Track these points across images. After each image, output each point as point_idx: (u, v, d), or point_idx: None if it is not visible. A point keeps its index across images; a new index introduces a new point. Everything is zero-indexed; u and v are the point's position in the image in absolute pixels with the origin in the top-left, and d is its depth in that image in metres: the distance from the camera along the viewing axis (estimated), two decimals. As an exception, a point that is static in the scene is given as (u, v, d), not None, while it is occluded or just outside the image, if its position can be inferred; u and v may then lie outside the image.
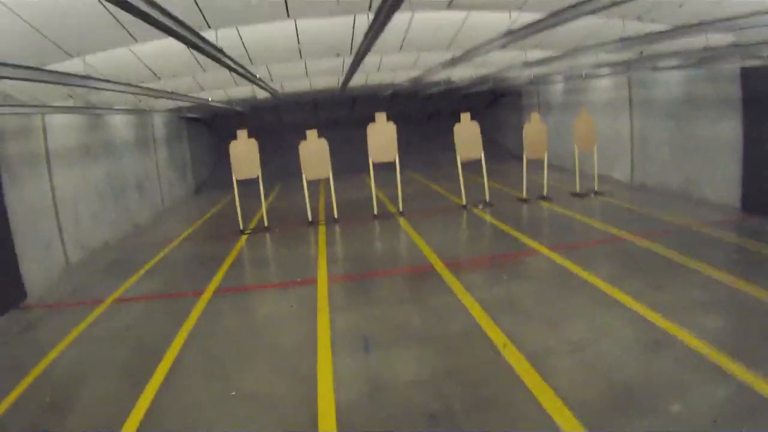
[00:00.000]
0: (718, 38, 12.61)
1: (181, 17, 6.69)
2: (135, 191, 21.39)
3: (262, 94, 22.01)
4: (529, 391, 7.13)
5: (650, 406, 6.56)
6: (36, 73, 8.97)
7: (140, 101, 18.54)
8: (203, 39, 8.26)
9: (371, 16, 8.74)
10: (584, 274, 11.47)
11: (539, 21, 9.37)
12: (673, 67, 17.32)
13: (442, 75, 20.04)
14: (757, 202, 14.71)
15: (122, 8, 5.35)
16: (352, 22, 10.76)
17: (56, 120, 15.23)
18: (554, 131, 22.26)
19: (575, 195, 19.84)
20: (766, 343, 8.00)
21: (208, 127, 35.03)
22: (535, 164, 20.12)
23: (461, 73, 21.08)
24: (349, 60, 14.24)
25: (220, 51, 9.54)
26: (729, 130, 15.40)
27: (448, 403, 7.03)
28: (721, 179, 15.99)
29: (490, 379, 7.62)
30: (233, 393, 7.74)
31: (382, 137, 18.92)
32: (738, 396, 6.62)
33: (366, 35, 9.23)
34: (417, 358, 8.48)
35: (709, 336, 8.18)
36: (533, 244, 14.13)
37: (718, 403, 6.58)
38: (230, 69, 11.38)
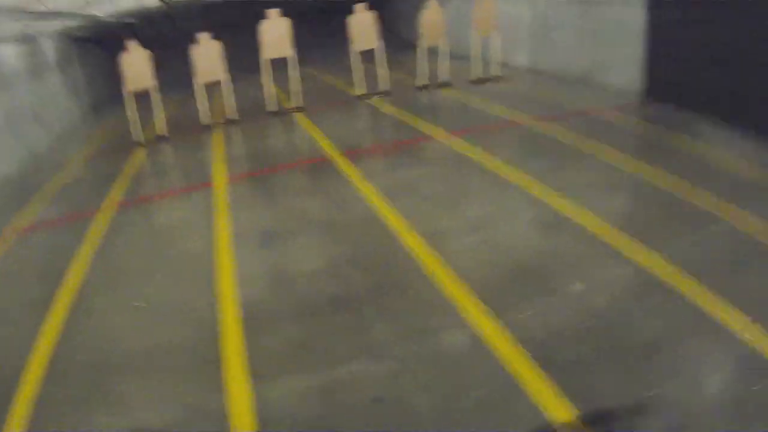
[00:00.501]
0: None
1: None
2: (31, 120, 20.98)
3: (151, 4, 21.60)
4: (428, 274, 7.29)
5: (551, 285, 6.75)
6: None
7: (28, 27, 18.05)
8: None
9: None
10: (482, 158, 11.60)
11: None
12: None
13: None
14: (659, 88, 14.84)
15: None
16: None
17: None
18: (455, 18, 22.15)
19: (475, 81, 19.83)
20: (658, 222, 8.20)
21: (101, 46, 34.34)
22: (435, 53, 20.05)
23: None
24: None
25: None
26: (633, 13, 15.45)
27: (350, 289, 7.17)
28: (624, 64, 16.08)
29: (390, 263, 7.77)
30: (137, 304, 7.75)
31: (275, 33, 18.65)
32: (634, 275, 6.83)
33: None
34: (317, 247, 8.62)
35: (606, 216, 8.37)
36: (430, 130, 14.22)
37: (615, 281, 6.77)
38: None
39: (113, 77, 32.58)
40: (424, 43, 19.66)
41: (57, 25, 19.54)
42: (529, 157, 11.43)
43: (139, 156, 16.75)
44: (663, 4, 14.40)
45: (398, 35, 32.85)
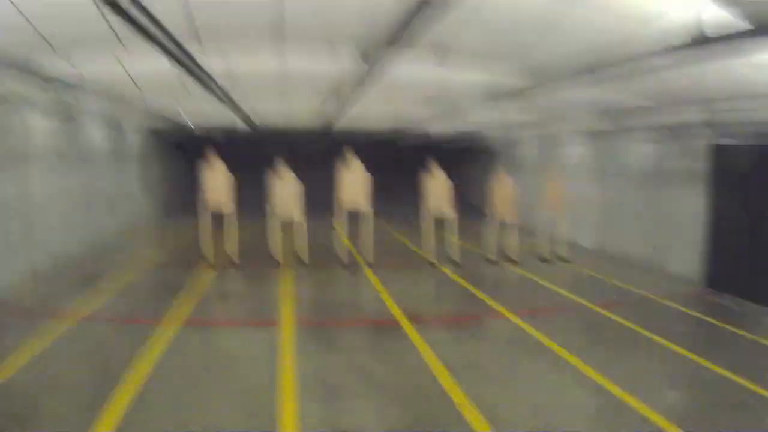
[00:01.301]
0: (692, 116, 12.80)
1: (177, 39, 6.72)
2: (105, 205, 21.25)
3: (240, 126, 22.04)
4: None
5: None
6: (24, 75, 8.95)
7: (121, 116, 18.45)
8: (195, 63, 8.30)
9: (364, 65, 8.82)
10: (544, 340, 11.48)
11: (523, 88, 9.48)
12: (646, 140, 17.53)
13: (420, 127, 20.14)
14: (718, 278, 14.82)
15: (124, 19, 5.38)
16: (341, 67, 10.82)
17: (36, 122, 15.15)
18: (524, 194, 22.35)
19: (542, 259, 19.90)
20: (714, 416, 8.11)
21: (182, 151, 34.88)
22: (503, 224, 20.05)
23: (439, 127, 21.19)
24: (333, 103, 14.30)
25: (211, 78, 9.58)
26: (694, 203, 15.56)
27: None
28: (684, 252, 16.13)
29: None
30: (193, 429, 7.64)
31: (354, 184, 18.76)
32: None
33: (356, 83, 9.31)
34: (378, 410, 8.43)
35: (664, 408, 8.24)
36: (496, 306, 14.13)
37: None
38: (216, 97, 11.42)
39: (189, 183, 33.26)
40: (494, 217, 19.70)
41: (147, 120, 19.94)
42: (589, 344, 11.36)
43: (208, 276, 16.81)
44: (724, 192, 14.46)
45: (468, 201, 33.07)
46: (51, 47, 9.31)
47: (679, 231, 16.48)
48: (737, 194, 14.19)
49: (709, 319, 12.99)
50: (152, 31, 5.79)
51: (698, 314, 13.51)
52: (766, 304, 13.11)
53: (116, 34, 8.58)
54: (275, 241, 18.72)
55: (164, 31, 6.11)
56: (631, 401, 8.56)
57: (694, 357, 10.43)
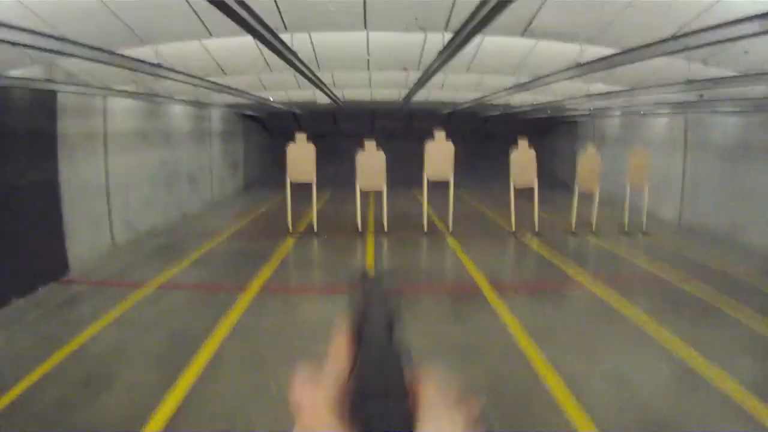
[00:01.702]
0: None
1: (261, 16, 6.79)
2: (186, 181, 21.61)
3: (322, 100, 22.11)
4: (564, 416, 7.24)
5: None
6: (107, 56, 9.10)
7: (202, 94, 18.67)
8: (280, 40, 8.36)
9: (446, 35, 8.81)
10: (624, 309, 11.50)
11: (610, 56, 9.39)
12: (731, 112, 17.26)
13: (502, 99, 20.03)
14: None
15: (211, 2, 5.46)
16: (424, 38, 10.82)
17: (117, 103, 15.52)
18: (607, 165, 22.13)
19: (623, 232, 19.76)
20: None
21: (263, 126, 35.12)
22: (586, 196, 20.07)
23: (521, 98, 21.06)
24: (415, 75, 14.29)
25: (294, 54, 9.64)
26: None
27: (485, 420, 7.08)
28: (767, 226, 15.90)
29: (528, 400, 7.71)
30: (272, 390, 7.77)
31: (439, 155, 18.93)
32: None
33: (440, 54, 9.30)
34: (458, 373, 8.51)
35: (741, 379, 8.23)
36: (578, 275, 14.18)
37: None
38: (298, 71, 11.48)
39: (270, 159, 33.51)
40: (579, 188, 19.66)
41: (228, 98, 20.13)
42: (670, 314, 11.29)
43: (288, 245, 17.05)
44: None
45: (549, 172, 32.88)
46: (138, 38, 9.47)
47: (763, 205, 16.21)
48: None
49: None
50: (236, 11, 5.86)
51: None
52: None
53: (201, 20, 8.73)
54: (358, 211, 18.87)
55: (248, 9, 6.17)
56: (707, 371, 8.57)
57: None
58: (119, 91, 14.27)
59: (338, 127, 35.26)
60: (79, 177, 13.66)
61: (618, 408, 7.51)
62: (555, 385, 8.06)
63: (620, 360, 9.13)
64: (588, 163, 19.69)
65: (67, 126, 13.14)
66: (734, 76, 10.96)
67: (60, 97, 12.82)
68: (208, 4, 5.66)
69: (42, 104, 12.35)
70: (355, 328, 0.88)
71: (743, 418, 7.16)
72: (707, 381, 8.28)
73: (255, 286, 12.77)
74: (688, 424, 7.04)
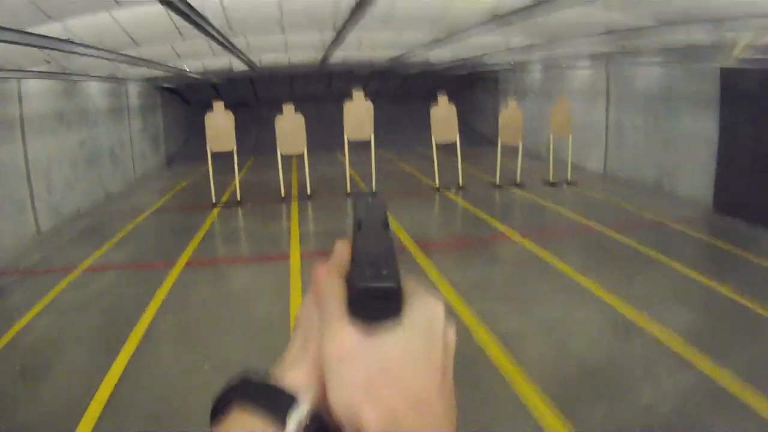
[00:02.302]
0: (701, 37, 12.61)
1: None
2: (108, 160, 21.28)
3: (238, 67, 21.90)
4: (501, 373, 7.28)
5: (618, 391, 6.70)
6: (16, 36, 8.86)
7: (117, 69, 18.37)
8: (188, 5, 8.19)
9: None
10: (553, 262, 11.54)
11: (527, 7, 9.35)
12: (654, 63, 17.36)
13: (421, 56, 19.99)
14: (728, 202, 14.74)
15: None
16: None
17: (31, 85, 15.15)
18: (530, 118, 22.18)
19: (548, 183, 19.88)
20: (730, 336, 8.17)
21: (181, 99, 34.74)
22: (509, 150, 20.06)
23: (440, 55, 21.01)
24: (330, 35, 14.16)
25: (204, 19, 9.47)
26: (705, 128, 15.40)
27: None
28: (694, 176, 16.03)
29: (463, 360, 7.58)
30: (206, 367, 7.70)
31: (358, 115, 18.84)
32: (701, 383, 6.81)
33: (353, 9, 9.19)
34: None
35: (676, 328, 8.28)
36: (504, 229, 14.20)
37: (684, 390, 6.71)
38: (211, 37, 11.30)
39: (191, 131, 33.17)
40: (502, 142, 19.72)
41: (145, 71, 19.83)
42: (598, 265, 11.36)
43: (213, 216, 16.93)
44: (734, 116, 14.36)
45: (471, 128, 32.98)
46: (45, 14, 9.21)
47: (689, 155, 16.35)
48: (747, 118, 14.04)
49: (718, 243, 12.92)
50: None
51: (707, 237, 13.53)
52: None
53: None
54: (281, 178, 18.78)
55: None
56: (640, 320, 8.66)
57: (702, 279, 10.41)
58: (33, 73, 13.96)
59: (257, 94, 34.92)
60: (-3, 164, 13.39)
61: (553, 361, 7.57)
62: (489, 342, 8.07)
63: (552, 313, 9.19)
64: (510, 117, 19.71)
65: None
66: (654, 26, 11.00)
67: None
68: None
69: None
70: (356, 222, 0.99)
71: (678, 365, 7.27)
72: (642, 330, 8.36)
73: (182, 260, 12.61)
74: (624, 373, 7.11)
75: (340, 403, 0.76)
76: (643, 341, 8.02)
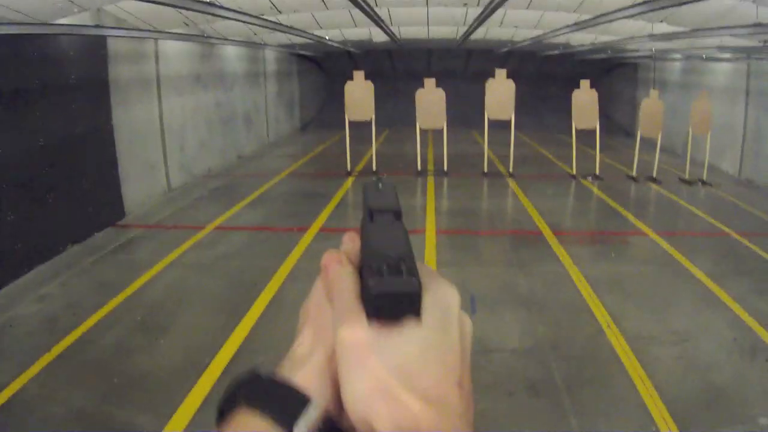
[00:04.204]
0: None
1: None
2: (242, 123, 21.57)
3: (378, 38, 21.88)
4: (628, 375, 7.03)
5: (741, 413, 6.46)
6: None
7: (255, 34, 18.51)
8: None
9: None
10: (688, 265, 11.18)
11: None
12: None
13: (562, 38, 19.66)
14: None
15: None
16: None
17: (169, 46, 15.44)
18: (668, 111, 21.70)
19: (683, 181, 19.33)
20: None
21: (318, 66, 34.98)
22: (645, 142, 19.65)
23: (581, 38, 20.65)
24: (475, 11, 13.98)
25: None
26: None
27: (549, 375, 7.01)
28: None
29: (592, 357, 7.58)
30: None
31: (500, 94, 18.65)
32: None
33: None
34: (521, 324, 8.46)
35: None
36: (639, 225, 13.87)
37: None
38: (357, 6, 11.24)
39: (326, 98, 33.40)
40: (641, 134, 19.27)
41: (282, 38, 19.95)
42: (732, 274, 10.90)
43: (347, 185, 17.04)
44: None
45: (609, 117, 32.41)
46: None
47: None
48: None
49: None
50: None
51: None
52: None
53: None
54: (418, 151, 18.71)
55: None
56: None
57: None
58: (170, 34, 14.13)
59: (394, 66, 34.94)
60: (132, 122, 13.66)
61: (680, 372, 7.34)
62: (617, 344, 7.87)
63: (682, 320, 8.89)
64: (651, 108, 19.23)
65: (118, 71, 13.08)
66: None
67: (110, 43, 12.71)
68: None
69: (92, 51, 12.24)
70: (366, 211, 0.93)
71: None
72: (761, 341, 8.08)
73: (315, 226, 12.74)
74: (745, 394, 6.83)
75: (354, 402, 0.73)
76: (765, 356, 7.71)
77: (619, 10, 11.28)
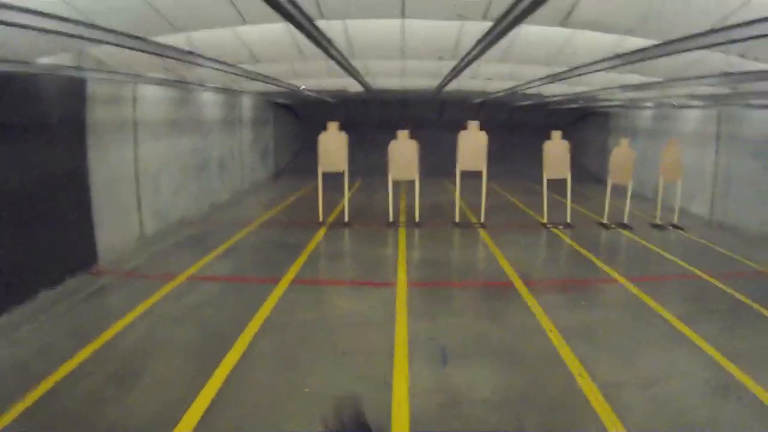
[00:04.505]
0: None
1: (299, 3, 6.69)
2: (217, 169, 21.61)
3: (353, 88, 22.04)
4: (600, 423, 7.09)
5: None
6: (141, 43, 9.02)
7: (233, 81, 18.63)
8: (316, 27, 8.27)
9: (485, 23, 8.65)
10: (658, 309, 11.33)
11: (649, 48, 9.23)
12: (765, 106, 16.99)
13: (535, 89, 19.90)
14: None
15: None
16: (461, 27, 10.67)
17: (147, 91, 15.46)
18: (639, 158, 21.98)
19: (655, 225, 19.63)
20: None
21: (294, 114, 35.14)
22: (616, 189, 19.88)
23: (554, 89, 20.88)
24: (449, 64, 14.15)
25: (329, 42, 9.54)
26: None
27: (520, 424, 7.02)
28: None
29: (563, 407, 7.59)
30: (306, 390, 7.71)
31: (472, 146, 18.90)
32: None
33: (478, 43, 9.16)
34: (492, 374, 8.45)
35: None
36: (610, 272, 14.01)
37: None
38: (332, 59, 11.39)
39: (300, 146, 33.51)
40: (611, 181, 19.52)
41: (260, 86, 20.08)
42: (703, 315, 11.10)
43: (320, 235, 17.07)
44: None
45: (579, 164, 32.72)
46: (171, 25, 9.35)
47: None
48: None
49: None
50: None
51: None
52: None
53: (236, 7, 8.62)
54: (391, 202, 18.86)
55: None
56: (743, 378, 8.39)
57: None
58: (149, 78, 14.22)
59: (369, 116, 35.16)
60: (108, 166, 13.62)
61: (652, 417, 7.36)
62: (589, 390, 7.94)
63: (654, 365, 8.98)
64: (621, 155, 19.54)
65: (96, 114, 13.10)
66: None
67: (90, 85, 12.77)
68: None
69: (71, 92, 12.28)
70: None
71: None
72: (742, 388, 8.12)
73: (287, 278, 12.71)
74: (725, 428, 6.95)
75: None
76: (742, 401, 7.79)
77: (592, 63, 11.48)
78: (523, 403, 7.56)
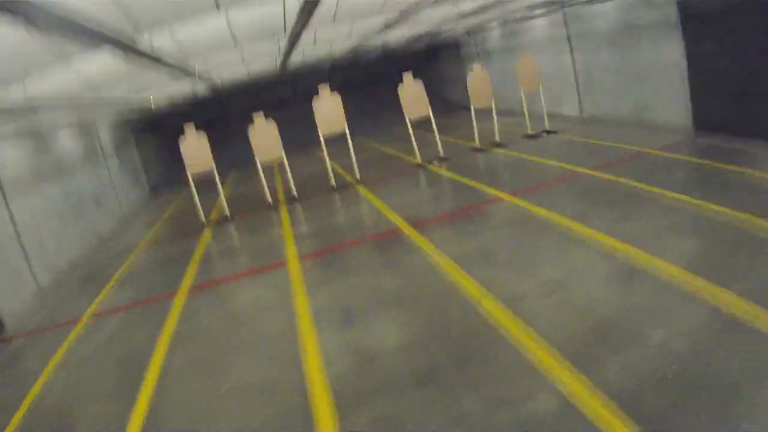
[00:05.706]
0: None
1: (111, 27, 6.66)
2: (93, 204, 21.28)
3: (202, 89, 21.92)
4: (512, 340, 7.25)
5: (632, 337, 6.68)
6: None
7: (85, 114, 18.37)
8: (138, 51, 8.25)
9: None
10: (548, 215, 11.60)
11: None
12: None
13: (378, 40, 20.02)
14: (708, 120, 14.80)
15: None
16: (283, 3, 10.70)
17: (5, 151, 15.13)
18: (498, 77, 22.30)
19: (528, 137, 20.03)
20: (727, 259, 8.21)
21: (154, 127, 34.77)
22: (485, 113, 20.18)
23: (397, 35, 21.03)
24: (285, 40, 14.16)
25: (157, 59, 9.52)
26: (672, 52, 15.42)
27: (434, 362, 7.13)
28: (670, 101, 16.07)
29: (472, 334, 7.68)
30: (224, 389, 7.76)
31: (328, 109, 18.98)
32: (712, 316, 6.78)
33: (301, 11, 9.22)
34: (399, 322, 8.52)
35: (676, 260, 8.37)
36: (494, 192, 14.27)
37: (696, 325, 6.68)
38: (166, 65, 11.35)
39: (169, 158, 33.20)
40: (474, 106, 19.82)
41: (112, 113, 19.85)
42: (593, 210, 11.44)
43: (206, 237, 16.97)
44: (700, 37, 14.39)
45: (444, 98, 33.05)
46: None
47: (661, 83, 16.38)
48: (711, 37, 14.04)
49: (704, 161, 13.05)
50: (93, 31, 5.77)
51: (693, 159, 13.61)
52: (756, 137, 13.10)
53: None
54: (264, 185, 18.95)
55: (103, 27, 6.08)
56: (641, 259, 8.70)
57: (695, 201, 10.52)
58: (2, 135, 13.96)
59: (227, 111, 35.17)
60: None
61: (563, 319, 7.55)
62: (495, 311, 8.09)
63: (555, 269, 9.19)
64: (477, 80, 19.83)
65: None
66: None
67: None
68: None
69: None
70: None
71: (686, 299, 7.29)
72: (644, 269, 8.38)
73: (183, 287, 12.66)
74: (633, 317, 7.12)
75: None
76: (647, 281, 8.03)
77: (421, 3, 11.61)
78: (433, 341, 7.66)
